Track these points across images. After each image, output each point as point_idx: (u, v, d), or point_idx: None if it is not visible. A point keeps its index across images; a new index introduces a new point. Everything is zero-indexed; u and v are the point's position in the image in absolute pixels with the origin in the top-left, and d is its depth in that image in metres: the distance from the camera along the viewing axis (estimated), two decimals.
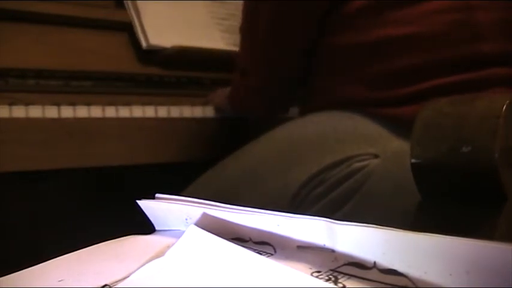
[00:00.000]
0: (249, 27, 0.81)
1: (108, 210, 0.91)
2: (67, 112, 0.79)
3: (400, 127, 0.62)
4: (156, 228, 0.41)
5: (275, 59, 0.80)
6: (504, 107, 0.35)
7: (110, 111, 0.82)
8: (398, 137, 0.62)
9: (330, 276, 0.29)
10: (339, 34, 0.72)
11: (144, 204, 0.40)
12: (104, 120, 0.82)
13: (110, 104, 0.83)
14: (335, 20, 0.72)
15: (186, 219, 0.38)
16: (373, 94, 0.68)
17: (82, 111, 0.80)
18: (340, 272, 0.30)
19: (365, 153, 0.61)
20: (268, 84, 0.83)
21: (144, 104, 0.86)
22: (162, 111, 0.87)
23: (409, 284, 0.27)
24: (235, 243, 0.33)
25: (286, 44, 0.78)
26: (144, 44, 0.93)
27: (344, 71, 0.72)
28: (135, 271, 0.32)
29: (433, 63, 0.64)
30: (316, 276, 0.29)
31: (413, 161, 0.38)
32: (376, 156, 0.61)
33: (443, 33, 0.65)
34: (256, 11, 0.78)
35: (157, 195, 0.41)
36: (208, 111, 0.92)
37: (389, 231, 0.29)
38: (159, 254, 0.34)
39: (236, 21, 0.96)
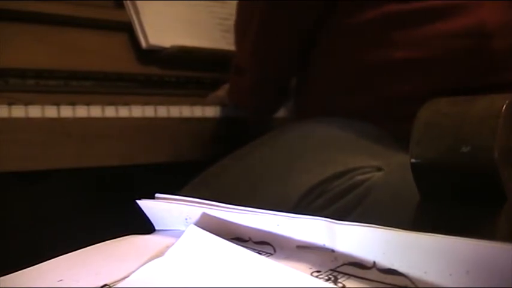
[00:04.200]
0: (242, 27, 0.81)
1: (108, 210, 0.91)
2: (67, 112, 0.79)
3: (404, 141, 0.61)
4: (156, 228, 0.41)
5: (266, 60, 0.79)
6: (504, 107, 0.35)
7: (110, 111, 0.82)
8: (402, 150, 0.60)
9: (330, 276, 0.29)
10: (345, 46, 0.71)
11: (143, 204, 0.40)
12: (103, 120, 0.82)
13: (110, 103, 0.83)
14: (341, 28, 0.70)
15: (186, 219, 0.38)
16: (375, 111, 0.67)
17: (82, 111, 0.80)
18: (340, 272, 0.30)
19: (368, 165, 0.59)
20: (260, 84, 0.82)
21: (143, 104, 0.86)
22: (162, 111, 0.86)
23: (409, 284, 0.27)
24: (235, 243, 0.33)
25: (278, 45, 0.77)
26: (143, 44, 0.93)
27: (349, 84, 0.71)
28: (134, 271, 0.32)
29: (441, 90, 0.62)
30: (316, 276, 0.29)
31: (413, 161, 0.38)
32: (379, 169, 0.59)
33: (452, 60, 0.62)
34: (249, 10, 0.78)
35: (157, 195, 0.41)
36: (208, 111, 0.92)
37: (389, 231, 0.29)
38: (159, 254, 0.34)
39: None
